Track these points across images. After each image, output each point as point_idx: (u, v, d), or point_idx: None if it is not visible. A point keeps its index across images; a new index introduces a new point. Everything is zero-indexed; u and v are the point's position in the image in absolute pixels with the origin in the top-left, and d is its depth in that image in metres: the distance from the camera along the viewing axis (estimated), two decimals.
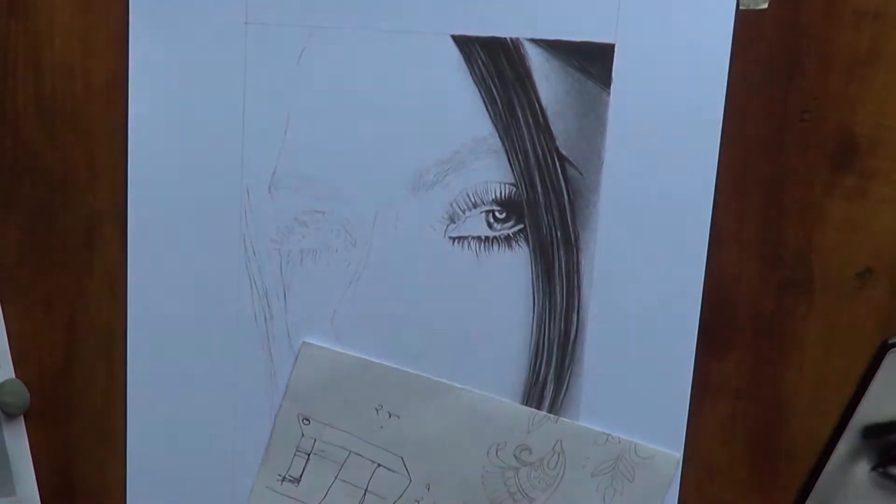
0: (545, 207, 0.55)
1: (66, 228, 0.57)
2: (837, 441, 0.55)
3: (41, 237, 0.57)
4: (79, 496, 0.60)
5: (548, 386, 0.56)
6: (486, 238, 0.55)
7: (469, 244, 0.55)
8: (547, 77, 0.53)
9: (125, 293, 0.57)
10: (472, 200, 0.55)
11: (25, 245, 0.57)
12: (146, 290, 0.57)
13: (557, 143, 0.54)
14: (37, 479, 0.59)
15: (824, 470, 0.56)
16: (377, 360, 0.57)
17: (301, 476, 0.59)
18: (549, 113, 0.54)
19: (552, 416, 0.57)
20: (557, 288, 0.55)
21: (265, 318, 0.57)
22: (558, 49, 0.53)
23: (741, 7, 0.52)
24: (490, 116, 0.54)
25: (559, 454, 0.57)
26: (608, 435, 0.56)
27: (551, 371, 0.56)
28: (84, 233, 0.57)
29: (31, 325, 0.58)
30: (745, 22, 0.52)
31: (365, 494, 0.59)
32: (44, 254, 0.57)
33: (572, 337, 0.56)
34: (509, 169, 0.54)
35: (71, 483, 0.60)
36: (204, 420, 0.58)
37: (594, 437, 0.56)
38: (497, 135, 0.54)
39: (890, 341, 0.54)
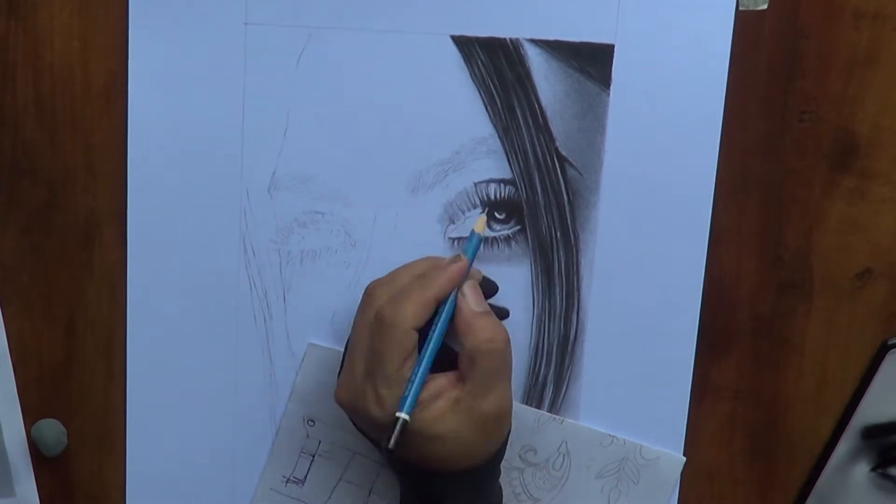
0: (545, 208, 0.55)
1: (66, 229, 0.57)
2: (837, 441, 0.55)
3: (41, 237, 0.57)
4: (78, 497, 0.60)
5: (547, 386, 0.56)
6: (486, 238, 0.55)
7: None
8: (546, 77, 0.53)
9: (125, 294, 0.57)
10: (472, 201, 0.55)
11: (25, 245, 0.57)
12: (146, 291, 0.57)
13: (557, 143, 0.54)
14: (36, 479, 0.59)
15: (824, 470, 0.56)
16: None
17: (306, 477, 0.59)
18: (548, 113, 0.54)
19: (558, 417, 0.56)
20: (557, 288, 0.55)
21: (265, 319, 0.57)
22: (558, 49, 0.53)
23: (741, 8, 0.52)
24: (490, 117, 0.54)
25: (564, 455, 0.57)
26: (613, 437, 0.56)
27: (551, 371, 0.56)
28: (84, 233, 0.57)
29: (30, 325, 0.58)
30: (744, 22, 0.52)
31: (370, 495, 0.58)
32: (43, 254, 0.57)
33: (572, 337, 0.56)
34: (509, 169, 0.54)
35: (70, 484, 0.60)
36: (203, 421, 0.58)
37: (599, 438, 0.56)
38: (496, 135, 0.54)
39: (890, 342, 0.54)
